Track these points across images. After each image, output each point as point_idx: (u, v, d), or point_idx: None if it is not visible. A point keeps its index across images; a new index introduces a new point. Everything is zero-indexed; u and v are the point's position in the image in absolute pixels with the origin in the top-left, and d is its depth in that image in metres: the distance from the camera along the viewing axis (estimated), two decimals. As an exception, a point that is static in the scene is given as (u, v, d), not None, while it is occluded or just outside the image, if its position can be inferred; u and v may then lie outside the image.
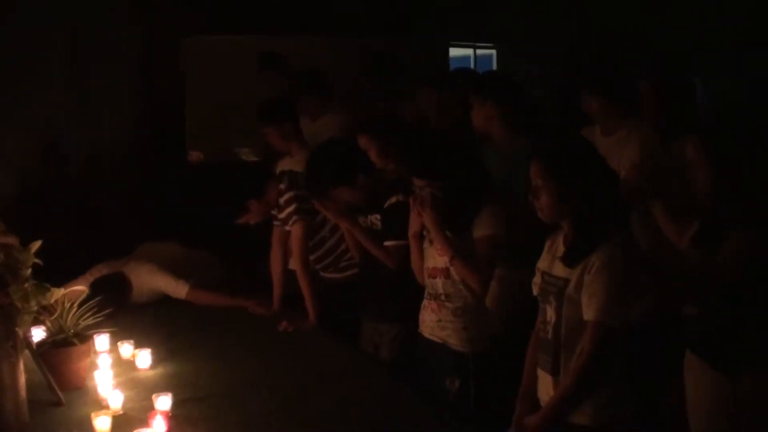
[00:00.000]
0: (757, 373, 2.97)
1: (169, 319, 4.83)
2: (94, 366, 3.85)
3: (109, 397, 3.48)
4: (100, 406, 3.47)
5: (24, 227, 3.50)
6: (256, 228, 5.19)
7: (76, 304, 3.81)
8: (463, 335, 3.66)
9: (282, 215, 4.82)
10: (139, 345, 4.12)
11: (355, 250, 4.50)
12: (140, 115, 6.97)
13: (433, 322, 3.75)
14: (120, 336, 4.18)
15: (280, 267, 5.01)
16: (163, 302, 5.16)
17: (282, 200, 4.79)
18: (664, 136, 3.91)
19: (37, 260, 3.32)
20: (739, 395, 2.98)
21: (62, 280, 4.23)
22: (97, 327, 3.93)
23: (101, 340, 4.09)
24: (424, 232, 3.75)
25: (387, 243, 4.14)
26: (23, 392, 3.25)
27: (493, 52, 9.54)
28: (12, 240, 3.34)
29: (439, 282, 3.71)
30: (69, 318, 3.78)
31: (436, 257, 3.70)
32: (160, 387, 3.61)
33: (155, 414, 3.23)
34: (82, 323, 3.82)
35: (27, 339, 3.46)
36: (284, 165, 4.95)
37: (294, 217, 4.69)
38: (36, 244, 3.33)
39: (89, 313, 3.85)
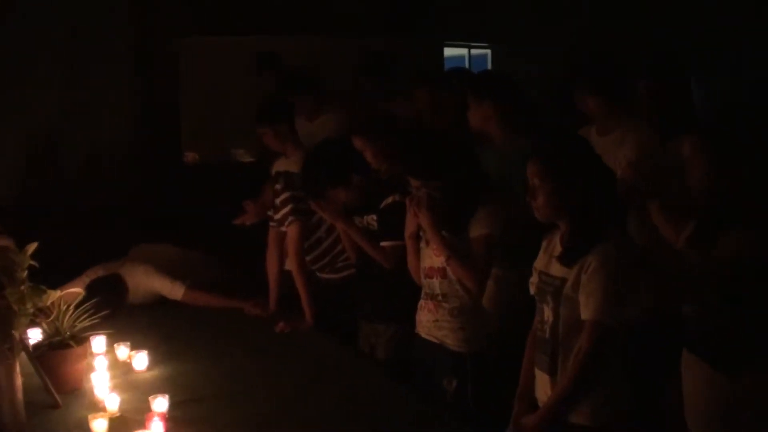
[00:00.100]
0: (755, 373, 2.97)
1: (166, 321, 4.83)
2: (90, 368, 3.84)
3: (106, 399, 3.47)
4: (97, 408, 3.47)
5: (21, 228, 3.49)
6: (252, 229, 5.18)
7: (72, 306, 3.81)
8: (460, 335, 3.65)
9: (278, 216, 4.82)
10: (135, 347, 4.12)
11: (351, 251, 4.50)
12: (138, 115, 6.96)
13: (430, 322, 3.74)
14: (116, 338, 4.17)
15: (276, 268, 5.01)
16: (160, 304, 5.16)
17: (278, 201, 4.79)
18: (660, 135, 3.91)
19: (33, 262, 3.31)
20: (737, 395, 2.99)
21: (60, 282, 4.24)
22: (94, 329, 3.93)
23: (98, 342, 4.09)
24: (421, 233, 3.75)
25: (383, 243, 4.14)
26: (20, 394, 3.24)
27: (488, 51, 9.54)
28: (8, 242, 3.33)
29: (435, 282, 3.70)
30: (65, 320, 3.77)
31: (432, 257, 3.70)
32: (157, 389, 3.61)
33: (152, 416, 3.23)
34: (79, 325, 3.82)
35: (23, 341, 3.45)
36: (280, 166, 4.95)
37: (290, 218, 4.69)
38: (32, 246, 3.32)
39: (85, 315, 3.85)
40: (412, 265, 3.87)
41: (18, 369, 3.25)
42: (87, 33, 6.57)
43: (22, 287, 3.27)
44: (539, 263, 3.12)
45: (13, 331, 3.23)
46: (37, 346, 3.74)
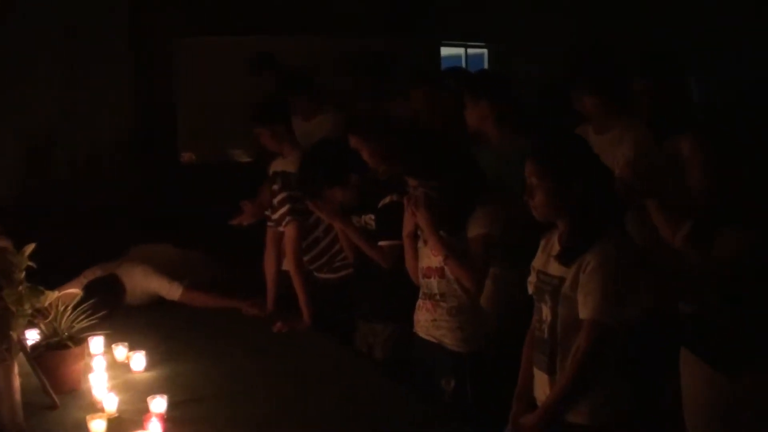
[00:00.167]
0: (754, 373, 2.98)
1: (164, 321, 4.83)
2: (88, 369, 3.84)
3: (104, 399, 3.47)
4: (95, 408, 3.46)
5: (19, 229, 3.49)
6: (249, 229, 5.18)
7: (70, 307, 3.80)
8: (458, 335, 3.66)
9: (275, 216, 4.82)
10: (133, 347, 4.12)
11: (349, 251, 4.50)
12: (136, 115, 6.95)
13: (428, 322, 3.75)
14: (114, 338, 4.17)
15: (274, 268, 5.01)
16: (158, 304, 5.16)
17: (275, 201, 4.79)
18: (657, 134, 3.91)
19: (31, 263, 3.31)
20: (736, 394, 2.99)
21: (58, 282, 4.24)
22: (92, 329, 3.92)
23: (96, 343, 4.09)
24: (418, 232, 3.75)
25: (381, 243, 4.14)
26: (18, 395, 3.24)
27: (485, 51, 9.54)
28: (6, 243, 3.33)
29: (433, 282, 3.71)
30: (63, 321, 3.76)
31: (430, 257, 3.71)
32: (155, 389, 3.60)
33: (150, 416, 3.22)
34: (77, 326, 3.81)
35: (21, 342, 3.44)
36: (277, 166, 4.94)
37: (287, 218, 4.69)
38: (29, 248, 3.32)
39: (83, 316, 3.84)
40: (409, 265, 3.87)
41: (16, 370, 3.25)
42: (85, 33, 6.56)
43: (20, 288, 3.27)
44: (537, 262, 3.12)
45: (11, 332, 3.23)
46: (35, 346, 3.73)
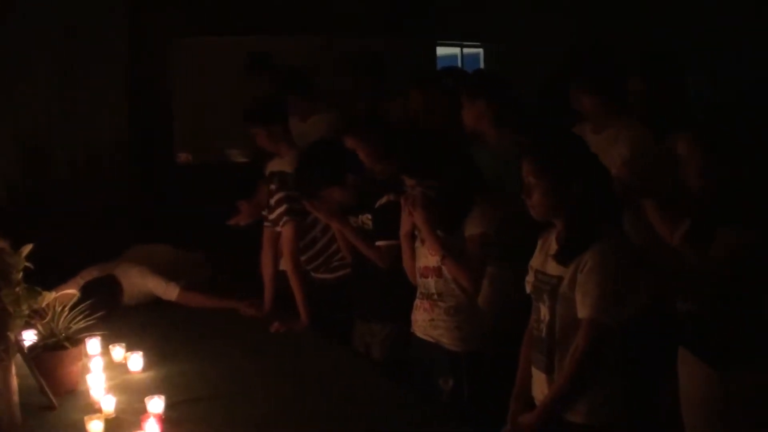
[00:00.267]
0: (751, 372, 2.98)
1: (161, 322, 4.82)
2: (86, 369, 3.83)
3: (102, 400, 3.46)
4: (93, 409, 3.45)
5: (17, 229, 3.49)
6: (247, 229, 5.17)
7: (67, 308, 3.79)
8: (456, 334, 3.66)
9: (273, 216, 4.82)
10: (130, 348, 4.11)
11: (346, 251, 4.50)
12: (134, 115, 6.94)
13: (426, 322, 3.75)
14: (111, 339, 4.16)
15: (271, 268, 5.01)
16: (155, 304, 5.15)
17: (272, 201, 4.78)
18: (655, 133, 3.91)
19: (28, 264, 3.30)
20: (733, 393, 2.99)
21: (55, 282, 4.24)
22: (89, 330, 3.91)
23: (93, 344, 4.08)
24: (416, 232, 3.75)
25: (378, 243, 4.14)
26: (15, 396, 3.24)
27: (480, 51, 9.54)
28: (3, 243, 3.32)
29: (431, 281, 3.71)
30: (60, 321, 3.76)
31: (428, 256, 3.71)
32: (153, 390, 3.60)
33: (148, 417, 3.22)
34: (74, 327, 3.80)
35: (19, 343, 3.44)
36: (274, 166, 4.94)
37: (285, 218, 4.69)
38: (27, 248, 3.32)
39: (81, 317, 3.83)
40: (407, 265, 3.87)
41: (14, 370, 3.24)
42: (84, 33, 6.55)
43: (18, 289, 3.27)
44: (535, 262, 3.12)
45: (9, 333, 3.23)
46: (32, 347, 3.72)
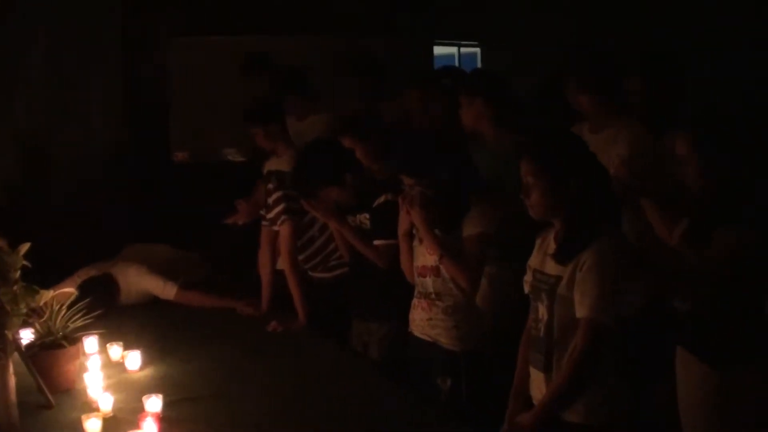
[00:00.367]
0: (749, 371, 2.98)
1: (158, 321, 4.82)
2: (83, 368, 3.83)
3: (99, 399, 3.46)
4: (90, 408, 3.45)
5: (13, 228, 3.48)
6: (244, 228, 5.17)
7: (64, 306, 3.79)
8: (454, 334, 3.66)
9: (270, 215, 4.82)
10: (128, 346, 4.11)
11: (344, 250, 4.50)
12: (130, 115, 6.94)
13: (424, 321, 3.75)
14: (109, 338, 4.16)
15: (268, 267, 5.01)
16: (152, 303, 5.15)
17: (270, 200, 4.78)
18: (653, 132, 3.92)
19: (25, 262, 3.30)
20: (731, 392, 2.99)
21: (52, 282, 4.23)
22: (86, 329, 3.91)
23: (90, 342, 4.08)
24: (414, 231, 3.75)
25: (376, 242, 4.14)
26: (13, 395, 3.23)
27: (478, 50, 9.55)
28: (0, 243, 3.32)
29: (429, 281, 3.71)
30: (58, 320, 3.75)
31: (426, 256, 3.70)
32: (150, 388, 3.60)
33: (146, 416, 3.21)
34: (71, 325, 3.80)
35: (16, 341, 3.44)
36: (271, 165, 4.94)
37: (282, 217, 4.69)
38: (24, 247, 3.31)
39: (78, 315, 3.83)
40: (405, 264, 3.87)
41: (11, 369, 3.24)
42: (80, 33, 6.55)
43: (15, 287, 3.26)
44: (533, 261, 3.13)
45: (6, 332, 3.22)
46: (29, 346, 3.72)
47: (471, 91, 4.31)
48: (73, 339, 3.81)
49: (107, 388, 3.61)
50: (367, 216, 4.25)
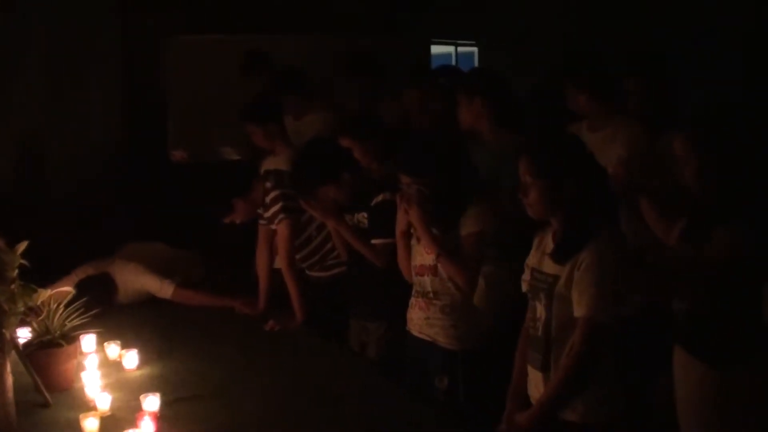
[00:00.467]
0: (747, 369, 2.98)
1: (156, 319, 4.81)
2: (81, 367, 3.82)
3: (97, 398, 3.46)
4: (88, 407, 3.45)
5: (11, 227, 3.48)
6: (242, 227, 5.17)
7: (62, 305, 3.79)
8: (451, 333, 3.66)
9: (268, 214, 4.81)
10: (125, 345, 4.10)
11: (342, 249, 4.50)
12: (127, 114, 6.93)
13: (422, 320, 3.74)
14: (106, 336, 4.15)
15: (266, 266, 5.00)
16: (150, 302, 5.14)
17: (268, 199, 4.78)
18: (651, 132, 3.92)
19: (23, 261, 3.29)
20: (728, 392, 2.99)
21: (50, 280, 4.23)
22: (84, 328, 3.90)
23: (88, 341, 4.07)
24: (411, 230, 3.75)
25: (374, 241, 4.14)
26: (10, 394, 3.22)
27: (475, 49, 9.54)
28: (-2, 242, 3.32)
29: (427, 280, 3.71)
30: (55, 319, 3.75)
31: (423, 255, 3.70)
32: (148, 387, 3.60)
33: (143, 415, 3.22)
34: (69, 324, 3.79)
35: (13, 340, 3.43)
36: (269, 164, 4.93)
37: (280, 216, 4.69)
38: (22, 246, 3.30)
39: (75, 314, 3.83)
40: (402, 263, 3.86)
41: (9, 368, 3.23)
42: (77, 32, 6.54)
43: (13, 286, 3.26)
44: (531, 260, 3.13)
45: (4, 330, 3.21)
46: (27, 345, 3.72)
47: (470, 90, 4.31)
48: (71, 338, 3.80)
49: (105, 387, 3.61)
50: (365, 215, 4.25)
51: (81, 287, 4.51)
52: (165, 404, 3.40)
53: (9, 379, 3.23)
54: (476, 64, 9.48)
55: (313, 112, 5.69)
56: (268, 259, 5.01)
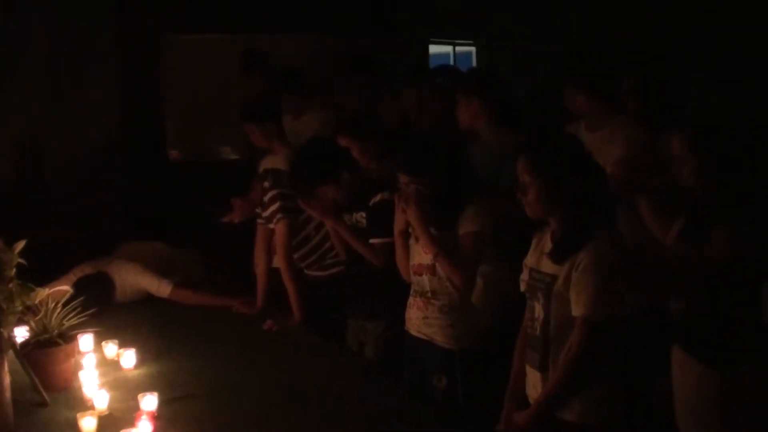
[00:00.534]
0: (744, 368, 2.98)
1: (154, 319, 4.81)
2: (78, 366, 3.82)
3: (95, 397, 3.46)
4: (86, 406, 3.45)
5: (9, 226, 3.48)
6: (240, 226, 5.16)
7: (60, 304, 3.78)
8: (449, 332, 3.65)
9: (266, 213, 4.81)
10: (123, 345, 4.10)
11: (340, 248, 4.50)
12: (125, 113, 6.93)
13: (420, 320, 3.74)
14: (104, 336, 4.15)
15: (264, 265, 5.00)
16: (148, 301, 5.14)
17: (266, 198, 4.77)
18: (649, 132, 3.92)
19: (21, 260, 3.29)
20: (726, 392, 2.99)
21: (48, 280, 4.23)
22: (81, 327, 3.90)
23: (85, 340, 4.07)
24: (410, 230, 3.75)
25: (372, 240, 4.13)
26: (8, 393, 3.22)
27: (473, 49, 9.55)
28: (-5, 241, 3.32)
29: (425, 279, 3.70)
30: (53, 318, 3.74)
31: (422, 254, 3.70)
32: (146, 387, 3.59)
33: (141, 414, 3.21)
34: (66, 323, 3.79)
35: (11, 339, 3.43)
36: (267, 163, 4.93)
37: (278, 215, 4.68)
38: (20, 245, 3.30)
39: (73, 313, 3.82)
40: (401, 262, 3.86)
41: (6, 367, 3.23)
42: (74, 31, 6.54)
43: (11, 285, 3.26)
44: (530, 260, 3.13)
45: (1, 330, 3.21)
46: (24, 344, 3.71)
47: (468, 89, 4.31)
48: (69, 337, 3.80)
49: (102, 386, 3.59)
50: (364, 214, 4.25)
51: (79, 286, 4.52)
52: (163, 403, 3.39)
53: (6, 379, 3.22)
54: (474, 63, 9.49)
55: (311, 111, 5.70)
56: (266, 259, 5.00)
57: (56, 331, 3.75)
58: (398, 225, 3.79)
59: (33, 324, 3.74)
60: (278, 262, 4.80)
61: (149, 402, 3.35)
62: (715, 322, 3.01)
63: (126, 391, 3.63)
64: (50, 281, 4.47)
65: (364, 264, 4.18)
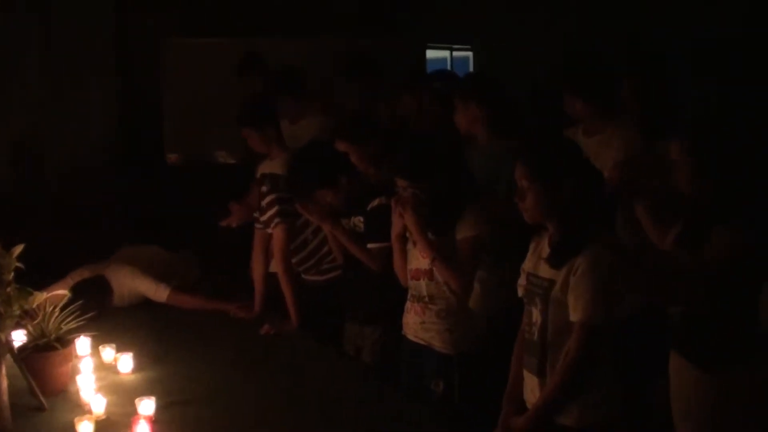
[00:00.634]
0: (742, 372, 2.99)
1: (151, 323, 4.79)
2: (76, 370, 3.82)
3: (92, 401, 3.45)
4: (83, 410, 3.44)
5: (7, 230, 3.48)
6: (238, 230, 5.16)
7: (57, 308, 3.78)
8: (447, 337, 3.66)
9: (264, 218, 4.80)
10: (121, 349, 4.09)
11: (337, 253, 4.50)
12: (123, 116, 6.94)
13: (417, 324, 3.74)
14: (101, 340, 4.14)
15: (262, 270, 4.99)
16: (145, 305, 5.12)
17: (264, 203, 4.77)
18: (647, 135, 3.93)
19: (19, 264, 3.29)
20: (724, 395, 3.00)
21: (46, 283, 4.22)
22: (79, 331, 3.89)
23: (83, 344, 4.06)
24: (407, 234, 3.75)
25: (370, 245, 4.14)
26: (5, 397, 3.22)
27: (470, 53, 9.56)
28: (-7, 245, 3.32)
29: (422, 283, 3.71)
30: (51, 322, 3.74)
31: (419, 259, 3.70)
32: (143, 391, 3.59)
33: (138, 418, 3.21)
34: (64, 327, 3.78)
35: (9, 343, 3.43)
36: (265, 168, 4.93)
37: (276, 220, 4.67)
38: (18, 249, 3.30)
39: (71, 317, 3.82)
40: (398, 267, 3.87)
41: (3, 371, 3.23)
42: (74, 34, 6.55)
43: (8, 289, 3.26)
44: (527, 265, 3.13)
45: (-1, 333, 3.22)
46: (22, 348, 3.70)
47: (466, 94, 4.32)
48: (66, 341, 3.79)
49: (100, 390, 3.59)
50: (361, 219, 4.25)
51: (76, 290, 4.50)
52: (160, 408, 3.39)
53: (4, 383, 3.23)
54: (471, 68, 9.50)
55: (310, 116, 5.69)
56: (263, 263, 5.00)
57: (54, 335, 3.74)
58: (396, 229, 3.79)
59: (31, 328, 3.74)
60: (276, 266, 4.79)
61: (146, 406, 3.35)
62: (713, 323, 3.02)
63: (123, 396, 3.63)
64: (49, 282, 4.48)
65: (362, 268, 4.19)
